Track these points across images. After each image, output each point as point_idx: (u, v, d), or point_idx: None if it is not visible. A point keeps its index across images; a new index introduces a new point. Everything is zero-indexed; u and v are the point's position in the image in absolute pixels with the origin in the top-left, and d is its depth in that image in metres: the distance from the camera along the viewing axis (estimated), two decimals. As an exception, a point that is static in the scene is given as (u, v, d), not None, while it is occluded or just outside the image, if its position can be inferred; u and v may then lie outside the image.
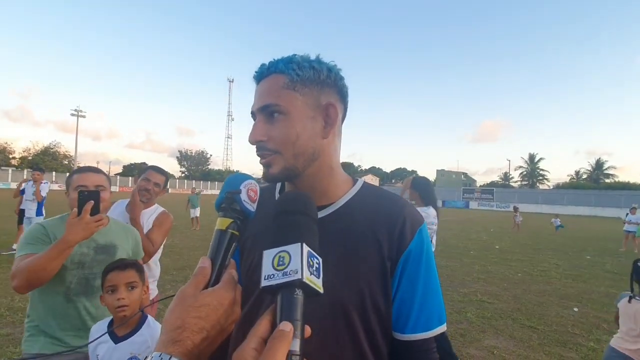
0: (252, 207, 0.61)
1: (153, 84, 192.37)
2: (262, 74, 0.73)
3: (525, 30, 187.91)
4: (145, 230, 2.24)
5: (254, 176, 0.67)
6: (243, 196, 0.60)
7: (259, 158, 0.74)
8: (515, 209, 16.62)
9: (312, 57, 0.74)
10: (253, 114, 0.74)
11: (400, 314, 0.74)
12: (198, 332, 0.47)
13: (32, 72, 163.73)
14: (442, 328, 0.77)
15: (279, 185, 0.87)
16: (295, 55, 0.73)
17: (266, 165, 0.73)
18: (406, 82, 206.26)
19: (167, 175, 2.43)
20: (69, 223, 1.33)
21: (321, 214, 0.74)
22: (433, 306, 0.76)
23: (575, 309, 4.87)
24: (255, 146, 0.72)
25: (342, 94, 0.77)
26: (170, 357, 0.44)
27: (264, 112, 0.71)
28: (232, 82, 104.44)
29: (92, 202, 1.35)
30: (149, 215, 2.32)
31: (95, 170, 1.64)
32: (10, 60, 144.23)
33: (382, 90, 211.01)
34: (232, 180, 0.62)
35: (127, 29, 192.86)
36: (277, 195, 0.84)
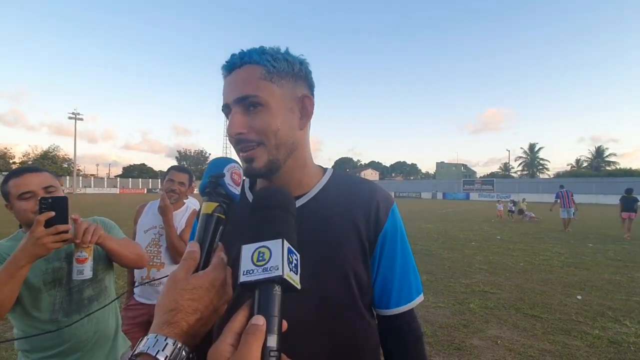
0: (236, 190, 0.61)
1: (146, 84, 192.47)
2: (235, 65, 0.70)
3: (527, 15, 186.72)
4: (178, 231, 2.24)
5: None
6: (227, 180, 0.59)
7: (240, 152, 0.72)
8: (521, 211, 16.11)
9: (282, 49, 0.73)
10: (227, 106, 0.71)
11: (383, 290, 0.80)
12: (192, 313, 0.49)
13: (21, 73, 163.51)
14: (421, 297, 0.84)
15: (247, 181, 0.87)
16: (264, 46, 0.72)
17: (248, 160, 0.71)
18: (405, 75, 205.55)
19: (190, 173, 2.41)
20: (25, 238, 1.12)
21: (298, 203, 0.76)
22: (411, 279, 0.83)
23: (579, 297, 4.87)
24: (234, 139, 0.70)
25: (311, 88, 0.78)
26: (166, 338, 0.45)
27: (242, 104, 0.69)
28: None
29: (53, 212, 1.12)
30: (181, 216, 2.33)
31: (35, 170, 1.32)
32: None
33: (381, 84, 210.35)
34: (216, 164, 0.61)
35: (117, 27, 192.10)
36: (247, 190, 0.85)
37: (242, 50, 0.71)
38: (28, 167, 1.34)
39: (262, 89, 0.68)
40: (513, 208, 16.88)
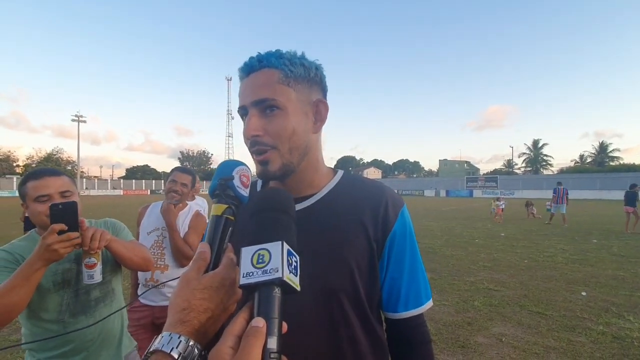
0: (245, 192, 0.62)
1: (148, 85, 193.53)
2: (253, 68, 0.71)
3: (529, 10, 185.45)
4: (182, 234, 2.23)
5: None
6: (236, 182, 0.61)
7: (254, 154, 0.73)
8: (529, 203, 16.72)
9: (298, 53, 0.74)
10: (243, 108, 0.71)
11: (391, 293, 0.79)
12: (203, 312, 0.50)
13: (22, 74, 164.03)
14: (430, 303, 0.82)
15: (259, 182, 0.88)
16: (280, 50, 0.73)
17: (263, 163, 0.71)
18: (408, 73, 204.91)
19: (193, 174, 2.40)
20: (38, 243, 1.13)
21: (307, 202, 0.77)
22: (420, 283, 0.81)
23: (583, 293, 4.86)
24: (249, 142, 0.71)
25: (324, 92, 0.79)
26: (179, 336, 0.47)
27: (259, 107, 0.69)
28: (230, 80, 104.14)
29: (66, 227, 1.14)
30: (184, 218, 2.32)
31: (54, 173, 1.32)
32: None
33: (384, 83, 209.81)
34: (224, 166, 0.63)
35: (119, 29, 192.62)
36: (259, 191, 0.86)
37: (260, 53, 0.72)
38: (47, 170, 1.33)
39: (279, 93, 0.69)
40: (503, 206, 16.89)
